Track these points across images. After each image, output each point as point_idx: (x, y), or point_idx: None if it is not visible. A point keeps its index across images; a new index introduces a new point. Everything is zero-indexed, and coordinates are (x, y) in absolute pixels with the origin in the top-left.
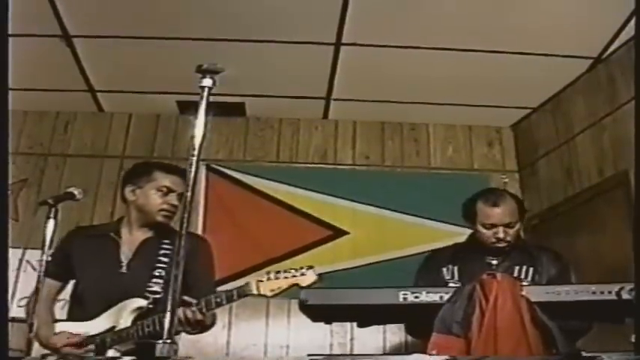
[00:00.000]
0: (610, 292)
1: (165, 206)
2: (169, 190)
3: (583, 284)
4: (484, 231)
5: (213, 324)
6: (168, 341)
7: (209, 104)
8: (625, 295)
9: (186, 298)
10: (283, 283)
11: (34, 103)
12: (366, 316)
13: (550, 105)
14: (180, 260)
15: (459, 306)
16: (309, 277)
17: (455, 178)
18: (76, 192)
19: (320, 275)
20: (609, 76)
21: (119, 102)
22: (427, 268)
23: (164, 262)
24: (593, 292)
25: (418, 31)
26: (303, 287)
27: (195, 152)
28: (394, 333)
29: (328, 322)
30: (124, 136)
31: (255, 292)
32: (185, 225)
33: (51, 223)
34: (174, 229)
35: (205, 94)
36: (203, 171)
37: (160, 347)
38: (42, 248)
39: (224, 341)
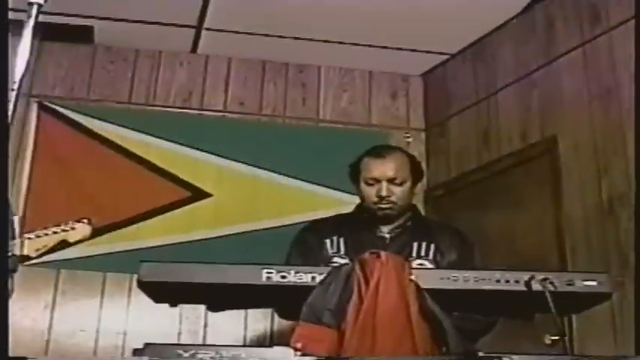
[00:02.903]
0: (517, 282)
1: None
2: None
3: (486, 270)
4: (366, 188)
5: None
6: None
7: (39, 25)
8: (536, 286)
9: None
10: (49, 241)
11: None
12: (220, 298)
13: (471, 52)
14: None
15: (333, 290)
16: (80, 231)
17: (348, 134)
18: None
19: (95, 230)
20: (548, 19)
21: None
22: (304, 241)
23: None
24: (497, 281)
25: None
26: (72, 243)
27: (16, 85)
28: (258, 320)
29: (173, 304)
30: None
31: (17, 252)
32: None
33: None
34: None
35: (34, 12)
36: (34, 109)
37: None
38: None
39: (45, 326)
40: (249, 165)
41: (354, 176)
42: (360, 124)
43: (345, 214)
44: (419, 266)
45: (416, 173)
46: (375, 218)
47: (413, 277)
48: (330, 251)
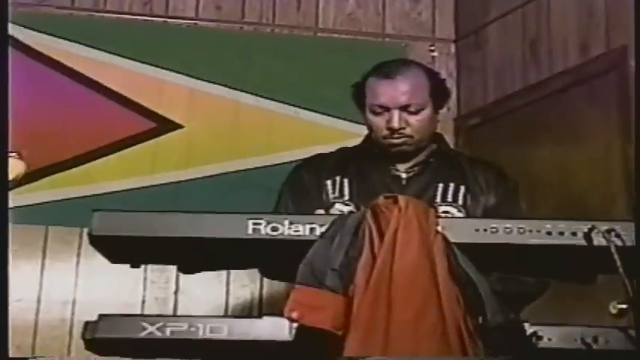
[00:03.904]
0: (574, 234)
1: None
2: None
3: (534, 219)
4: (373, 118)
5: None
6: None
7: None
8: (598, 240)
9: None
10: None
11: None
12: (194, 256)
13: None
14: None
15: (338, 245)
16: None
17: (356, 48)
18: None
19: (32, 171)
20: None
21: None
22: (299, 182)
23: None
24: (548, 233)
25: None
26: None
27: None
28: (243, 284)
29: (135, 264)
30: None
31: None
32: None
33: None
34: None
35: None
36: None
37: None
38: None
39: None
40: (229, 88)
41: (359, 101)
42: (371, 34)
43: (350, 148)
44: (446, 214)
45: (439, 95)
46: (387, 154)
47: (440, 228)
48: (331, 195)
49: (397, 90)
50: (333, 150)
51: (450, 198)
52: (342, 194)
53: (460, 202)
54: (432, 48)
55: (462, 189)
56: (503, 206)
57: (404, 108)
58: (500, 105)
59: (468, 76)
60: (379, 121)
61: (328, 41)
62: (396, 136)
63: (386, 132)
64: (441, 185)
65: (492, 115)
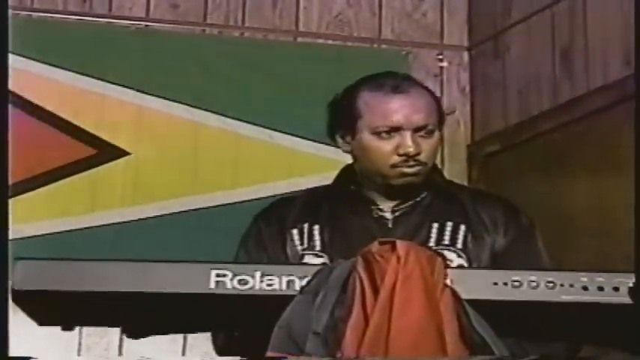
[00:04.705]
0: (617, 290)
1: None
2: None
3: (567, 271)
4: (376, 143)
5: None
6: None
7: None
8: None
9: None
10: None
11: None
12: (142, 317)
13: None
14: None
15: (322, 302)
16: None
17: (345, 56)
18: None
19: None
20: None
21: None
22: (256, 237)
23: None
24: (585, 288)
25: None
26: None
27: None
28: (204, 353)
29: (67, 327)
30: None
31: None
32: None
33: None
34: None
35: None
36: None
37: None
38: None
39: None
40: (187, 105)
41: (344, 122)
42: (365, 40)
43: (320, 187)
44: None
45: (442, 116)
46: (379, 188)
47: (448, 282)
48: (298, 247)
49: (414, 107)
50: (312, 184)
51: (447, 240)
52: (311, 244)
53: (459, 245)
54: (441, 57)
55: (462, 229)
56: (515, 250)
57: (417, 130)
58: (525, 128)
59: (484, 93)
60: (386, 146)
61: (310, 48)
62: (412, 163)
63: (397, 159)
64: (435, 225)
65: (514, 141)
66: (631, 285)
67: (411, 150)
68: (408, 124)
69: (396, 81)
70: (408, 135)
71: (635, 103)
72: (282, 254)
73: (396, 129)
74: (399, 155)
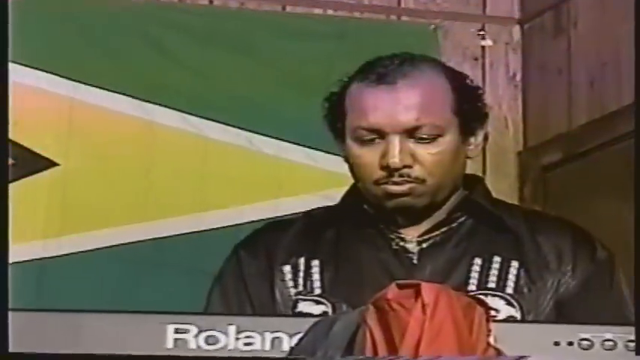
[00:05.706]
0: None
1: None
2: None
3: None
4: (358, 151)
5: None
6: None
7: None
8: None
9: None
10: None
11: None
12: None
13: None
14: None
15: None
16: None
17: (349, 30)
18: None
19: None
20: None
21: None
22: (235, 275)
23: None
24: None
25: None
26: None
27: None
28: None
29: None
30: None
31: None
32: None
33: None
34: None
35: None
36: None
37: None
38: None
39: None
40: (135, 98)
41: (334, 122)
42: (377, 9)
43: (322, 209)
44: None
45: (471, 112)
46: (382, 211)
47: (492, 340)
48: (291, 290)
49: (399, 103)
50: (311, 208)
51: (492, 283)
52: (308, 286)
53: (510, 289)
54: (482, 33)
55: (514, 266)
56: (588, 296)
57: (410, 133)
58: (596, 131)
59: (541, 82)
60: (368, 156)
61: (305, 21)
62: (397, 179)
63: (380, 173)
64: (477, 261)
65: (582, 148)
66: None
67: (395, 161)
68: (393, 126)
69: (388, 67)
70: (393, 140)
71: (635, 107)
72: (268, 299)
73: (378, 132)
74: (382, 168)
